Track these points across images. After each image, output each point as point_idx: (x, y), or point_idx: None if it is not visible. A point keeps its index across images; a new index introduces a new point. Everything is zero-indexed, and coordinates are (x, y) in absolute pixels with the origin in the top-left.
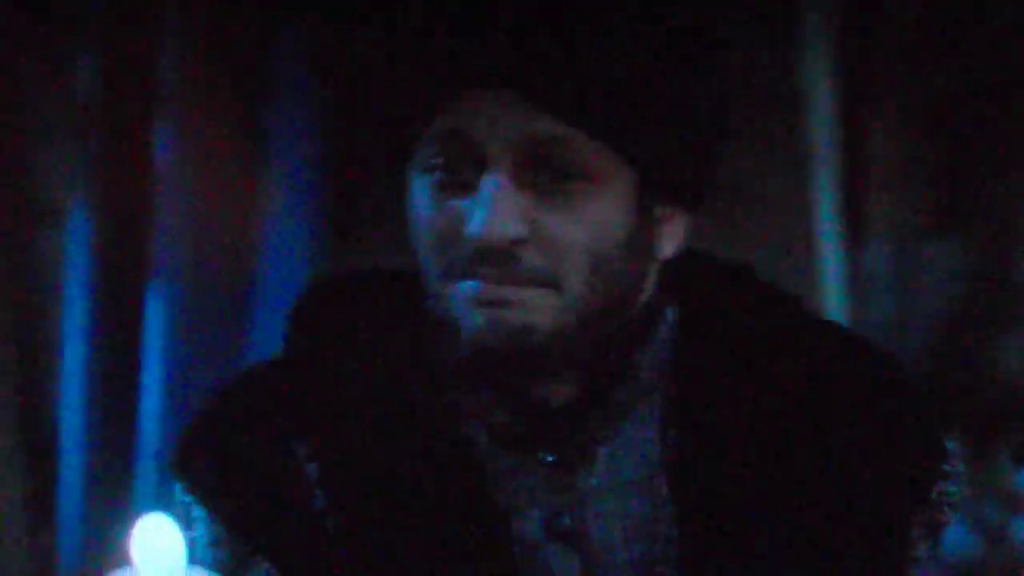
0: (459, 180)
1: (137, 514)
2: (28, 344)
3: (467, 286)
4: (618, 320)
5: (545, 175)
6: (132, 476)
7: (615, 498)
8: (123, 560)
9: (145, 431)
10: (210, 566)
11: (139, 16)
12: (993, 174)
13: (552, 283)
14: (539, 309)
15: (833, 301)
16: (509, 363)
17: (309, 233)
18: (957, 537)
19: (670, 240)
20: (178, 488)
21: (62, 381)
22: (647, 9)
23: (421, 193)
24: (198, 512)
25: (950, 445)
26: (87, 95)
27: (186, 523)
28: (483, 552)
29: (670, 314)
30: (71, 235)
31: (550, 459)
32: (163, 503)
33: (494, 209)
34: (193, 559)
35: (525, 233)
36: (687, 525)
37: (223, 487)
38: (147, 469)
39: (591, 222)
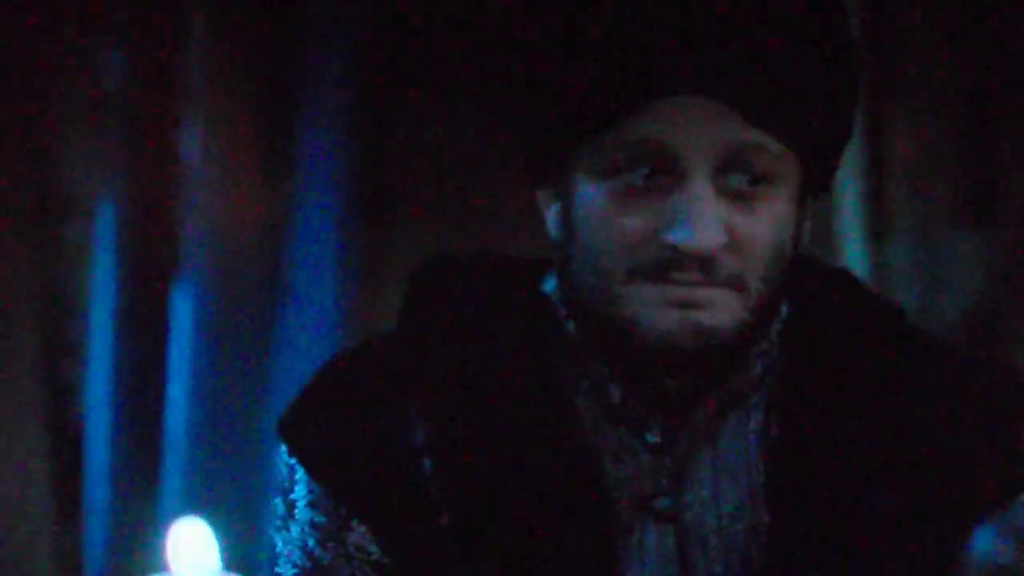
0: (647, 186)
1: (162, 508)
2: (55, 337)
3: (657, 289)
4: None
5: (740, 182)
6: (158, 469)
7: (713, 483)
8: (157, 562)
9: (171, 424)
10: (308, 526)
11: (166, 8)
12: (1018, 166)
13: (739, 284)
14: (726, 309)
15: None
16: (694, 360)
17: (337, 227)
18: (986, 542)
19: (806, 227)
20: (283, 450)
21: (89, 373)
22: (821, 19)
23: (598, 200)
24: (300, 474)
25: None
26: (114, 87)
27: (289, 484)
28: (581, 525)
29: (784, 310)
30: (98, 228)
31: (656, 440)
32: (189, 496)
33: (703, 219)
34: (292, 518)
35: (726, 240)
36: (780, 513)
37: (326, 449)
38: (173, 462)
39: (773, 223)
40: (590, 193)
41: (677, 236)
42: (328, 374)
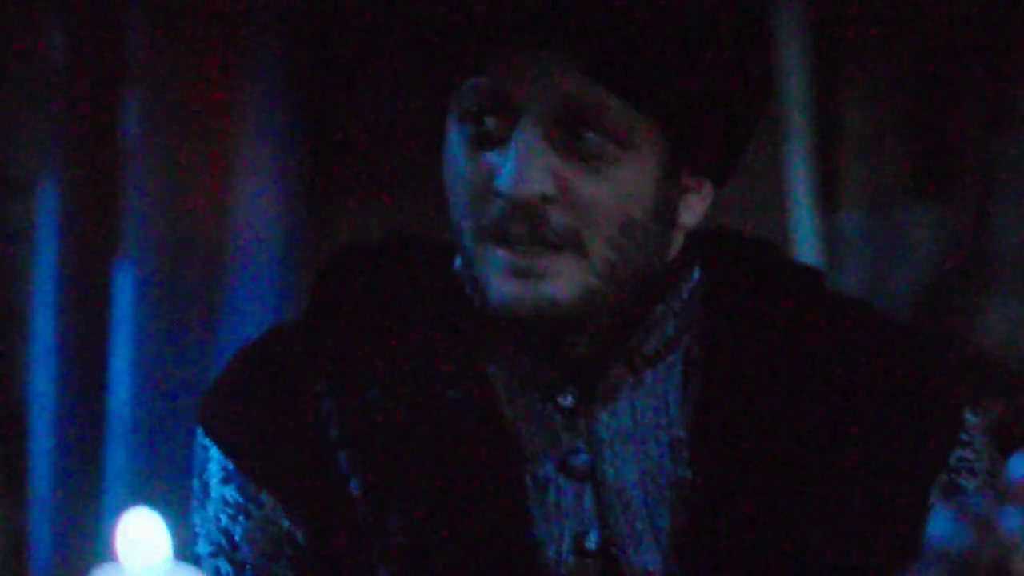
0: (493, 134)
1: (106, 487)
2: None
3: (498, 254)
4: (643, 281)
5: (577, 137)
6: (102, 450)
7: (633, 441)
8: (102, 538)
9: (115, 406)
10: (221, 503)
11: None
12: (968, 139)
13: (577, 245)
14: (565, 277)
15: None
16: (535, 328)
17: (281, 205)
18: (945, 526)
19: (695, 209)
20: (199, 432)
21: (31, 355)
22: None
23: (456, 145)
24: (213, 452)
25: (968, 416)
26: (56, 65)
27: (203, 464)
28: (492, 487)
29: (696, 273)
30: (41, 205)
31: (569, 403)
32: (131, 476)
33: (524, 165)
34: (207, 497)
35: (552, 190)
36: (702, 468)
37: (234, 427)
38: (117, 440)
39: (619, 186)
40: (450, 139)
41: (499, 182)
42: (238, 359)
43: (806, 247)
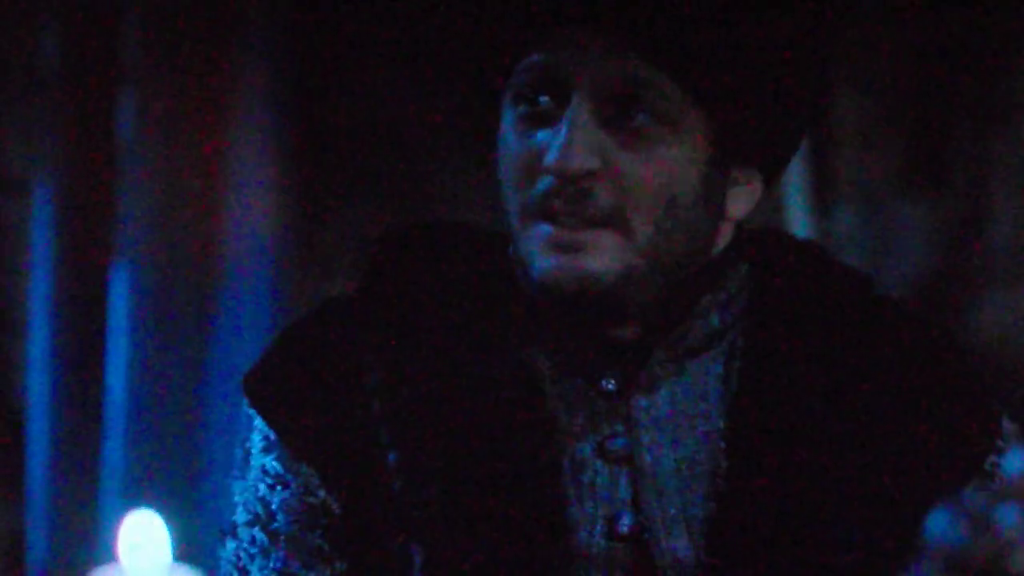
0: (546, 112)
1: (103, 485)
2: None
3: (542, 229)
4: (688, 269)
5: (627, 116)
6: (99, 449)
7: (671, 428)
8: (100, 539)
9: (111, 407)
10: (260, 472)
11: None
12: (961, 136)
13: (621, 223)
14: (608, 253)
15: None
16: (577, 305)
17: (275, 207)
18: (942, 524)
19: (742, 203)
20: (245, 403)
21: (28, 353)
22: None
23: (509, 126)
24: (257, 422)
25: (1006, 424)
26: (52, 66)
27: (246, 433)
28: (532, 468)
29: (744, 268)
30: (37, 206)
31: (612, 387)
32: (128, 474)
33: (572, 140)
34: (247, 465)
35: (598, 165)
36: (737, 461)
37: (277, 396)
38: (114, 439)
39: (665, 167)
40: (506, 120)
41: (548, 156)
42: (287, 332)
43: None
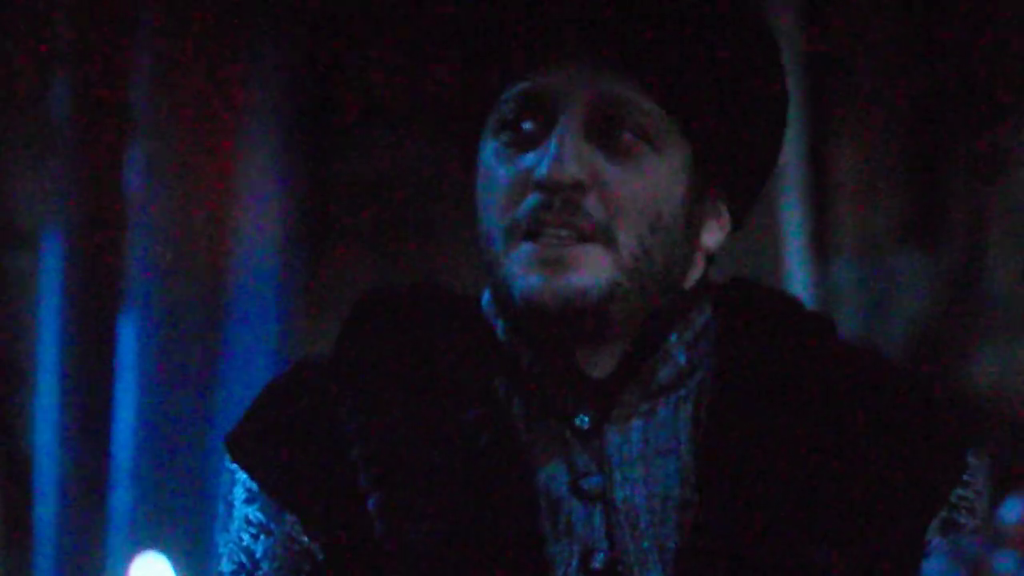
0: (531, 135)
1: (111, 533)
2: (2, 366)
3: (526, 247)
4: (663, 297)
5: (611, 135)
6: (106, 496)
7: (643, 465)
8: None
9: (119, 455)
10: (243, 522)
11: (112, 40)
12: (959, 187)
13: (609, 238)
14: (593, 268)
15: None
16: (562, 323)
17: (280, 256)
18: (940, 567)
19: (716, 234)
20: (227, 458)
21: (36, 403)
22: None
23: (491, 155)
24: (239, 475)
25: (971, 459)
26: (60, 118)
27: (228, 487)
28: (510, 510)
29: (708, 307)
30: (45, 256)
31: (586, 424)
32: (137, 521)
33: (562, 152)
34: (230, 517)
35: (586, 177)
36: (708, 495)
37: (259, 448)
38: (122, 487)
39: (650, 181)
40: (486, 150)
41: (539, 171)
42: (265, 390)
43: (799, 293)
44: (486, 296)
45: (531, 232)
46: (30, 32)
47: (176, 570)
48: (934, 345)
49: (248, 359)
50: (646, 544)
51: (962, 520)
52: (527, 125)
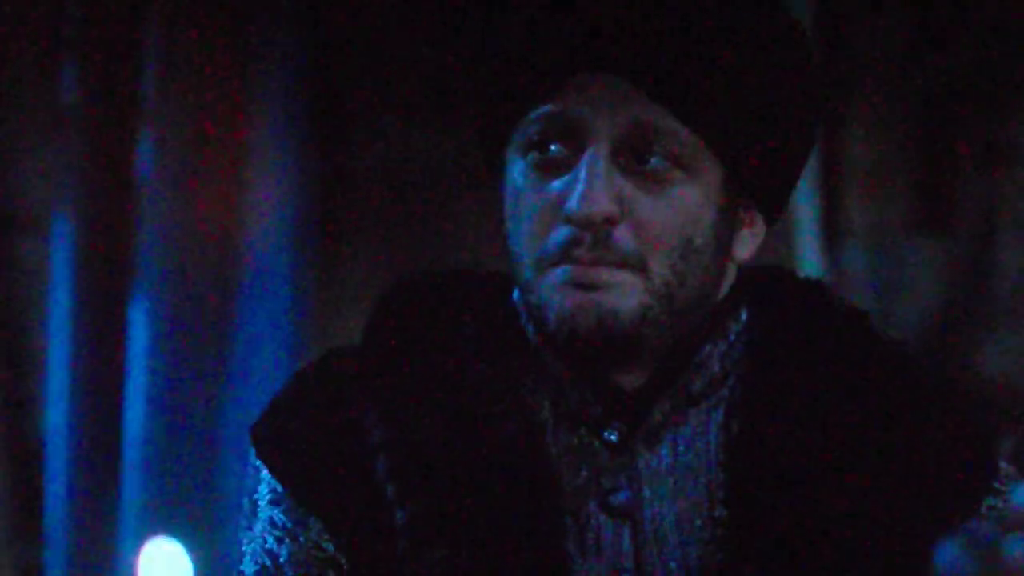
0: (559, 160)
1: (123, 521)
2: (12, 352)
3: (560, 271)
4: (696, 314)
5: (642, 160)
6: (117, 482)
7: (672, 480)
8: None
9: (129, 438)
10: (268, 524)
11: (121, 24)
12: (969, 176)
13: (640, 266)
14: (626, 292)
15: None
16: (595, 346)
17: (292, 239)
18: (950, 555)
19: (748, 243)
20: (251, 454)
21: (47, 389)
22: (749, 17)
23: (519, 175)
24: (264, 474)
25: (1003, 465)
26: (69, 103)
27: (253, 484)
28: (532, 523)
29: (743, 314)
30: (55, 242)
31: (614, 439)
32: (148, 509)
33: (592, 185)
34: (255, 517)
35: (618, 211)
36: (737, 511)
37: (285, 449)
38: (133, 474)
39: (682, 209)
40: (514, 171)
41: (569, 204)
42: (292, 383)
43: None
44: (516, 294)
45: (565, 262)
46: (39, 17)
47: (187, 555)
48: (944, 332)
49: (259, 344)
50: (673, 565)
51: None
52: (555, 147)
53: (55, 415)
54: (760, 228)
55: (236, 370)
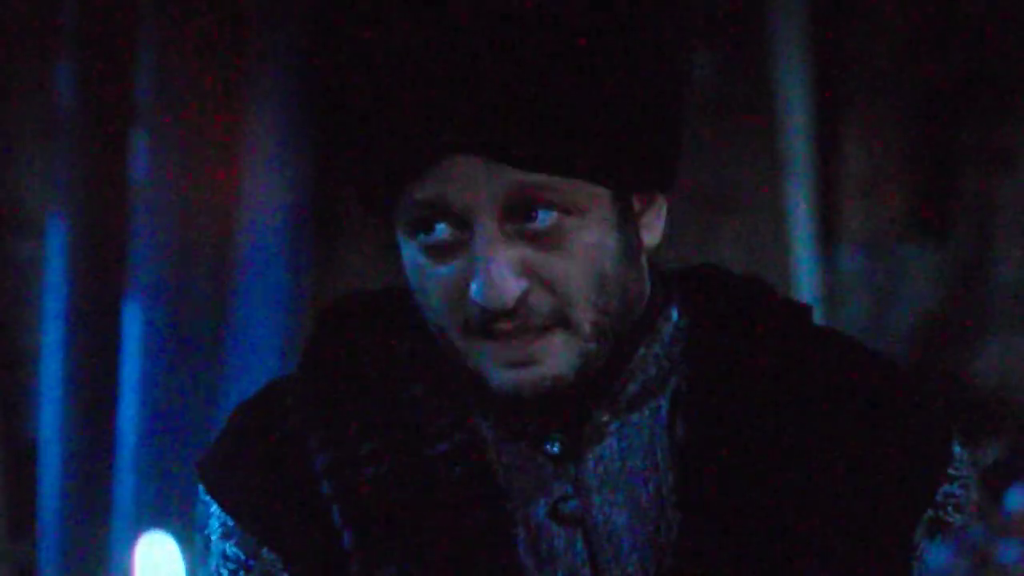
0: (449, 243)
1: (116, 519)
2: (6, 353)
3: (489, 347)
4: (628, 322)
5: (530, 218)
6: (110, 481)
7: (622, 486)
8: (123, 573)
9: (123, 437)
10: (222, 558)
11: (118, 28)
12: (967, 178)
13: (564, 322)
14: (562, 354)
15: None
16: (541, 402)
17: (285, 242)
18: (944, 559)
19: (654, 225)
20: (200, 489)
21: (41, 389)
22: (584, 59)
23: (414, 257)
24: (213, 508)
25: (956, 449)
26: (65, 105)
27: (204, 520)
28: (484, 538)
29: (674, 312)
30: (49, 242)
31: (556, 450)
32: (141, 508)
33: (492, 273)
34: (208, 552)
35: (526, 286)
36: (690, 512)
37: (233, 484)
38: (125, 474)
39: (584, 253)
40: (407, 251)
41: (474, 293)
42: (235, 415)
43: (806, 284)
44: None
45: (488, 336)
46: (35, 19)
47: (180, 550)
48: (940, 335)
49: (253, 343)
50: (631, 568)
51: (950, 519)
52: (440, 227)
53: (49, 413)
54: (660, 201)
55: (229, 369)
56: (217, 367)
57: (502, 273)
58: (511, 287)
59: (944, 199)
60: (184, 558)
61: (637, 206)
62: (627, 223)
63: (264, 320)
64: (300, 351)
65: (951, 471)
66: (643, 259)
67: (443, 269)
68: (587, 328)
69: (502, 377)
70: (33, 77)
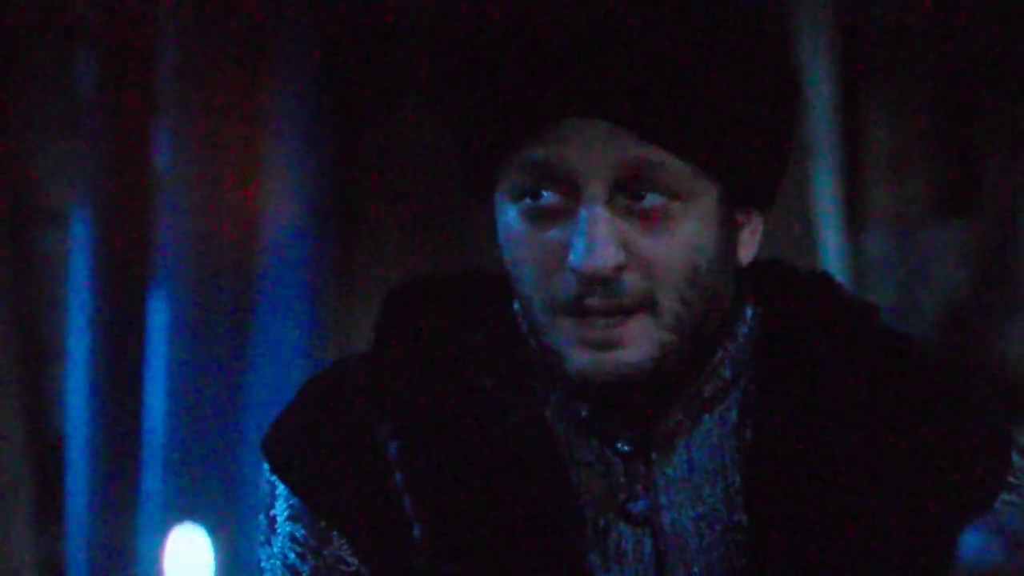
0: (554, 208)
1: (142, 512)
2: (32, 345)
3: (571, 325)
4: (709, 326)
5: (638, 198)
6: (137, 474)
7: (690, 487)
8: (140, 568)
9: (149, 430)
10: (288, 540)
11: (139, 18)
12: (994, 158)
13: (650, 306)
14: (641, 340)
15: None
16: (615, 391)
17: (311, 233)
18: (976, 543)
19: (749, 243)
20: (265, 468)
21: (67, 381)
22: (726, 40)
23: (514, 223)
24: (280, 489)
25: (1016, 458)
26: (89, 95)
27: (270, 500)
28: (552, 533)
29: (748, 313)
30: (75, 235)
31: (627, 449)
32: (168, 500)
33: (595, 239)
34: (274, 533)
35: (624, 258)
36: (757, 514)
37: (303, 465)
38: (153, 466)
39: (685, 241)
40: (508, 216)
41: (573, 258)
42: (305, 393)
43: (832, 267)
44: (516, 306)
45: (574, 313)
46: (56, 9)
47: (210, 542)
48: (967, 318)
49: (278, 335)
50: (696, 569)
51: None
52: (547, 194)
53: (75, 406)
54: (757, 223)
55: (255, 361)
56: (243, 357)
57: (606, 240)
58: (612, 254)
59: (970, 181)
60: (214, 550)
61: (738, 220)
62: (727, 229)
63: (289, 309)
64: (372, 331)
65: (1011, 479)
66: (731, 272)
67: (544, 235)
68: (670, 317)
69: (580, 358)
70: (56, 69)
